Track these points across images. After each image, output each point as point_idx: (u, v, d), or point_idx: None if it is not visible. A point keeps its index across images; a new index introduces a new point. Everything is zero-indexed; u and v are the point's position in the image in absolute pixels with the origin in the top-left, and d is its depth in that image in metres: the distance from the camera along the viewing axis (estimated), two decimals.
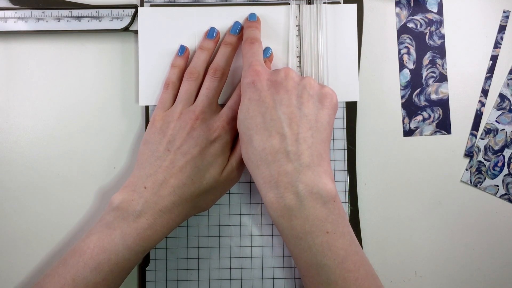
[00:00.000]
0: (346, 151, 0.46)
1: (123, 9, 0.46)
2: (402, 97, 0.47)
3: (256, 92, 0.39)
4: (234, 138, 0.42)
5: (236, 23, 0.45)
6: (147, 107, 0.46)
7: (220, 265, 0.45)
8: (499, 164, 0.47)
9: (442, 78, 0.47)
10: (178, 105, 0.42)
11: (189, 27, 0.46)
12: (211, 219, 0.45)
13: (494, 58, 0.47)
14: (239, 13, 0.46)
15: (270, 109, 0.38)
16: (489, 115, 0.47)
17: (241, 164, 0.42)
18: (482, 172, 0.47)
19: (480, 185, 0.47)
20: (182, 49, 0.45)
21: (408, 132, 0.47)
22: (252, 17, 0.45)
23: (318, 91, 0.39)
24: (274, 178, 0.37)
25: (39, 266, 0.45)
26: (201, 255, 0.45)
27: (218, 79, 0.43)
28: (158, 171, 0.40)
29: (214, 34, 0.45)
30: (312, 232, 0.36)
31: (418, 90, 0.47)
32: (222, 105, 0.44)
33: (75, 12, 0.46)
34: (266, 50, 0.45)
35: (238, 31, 0.45)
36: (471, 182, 0.47)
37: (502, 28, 0.48)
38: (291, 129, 0.37)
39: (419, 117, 0.47)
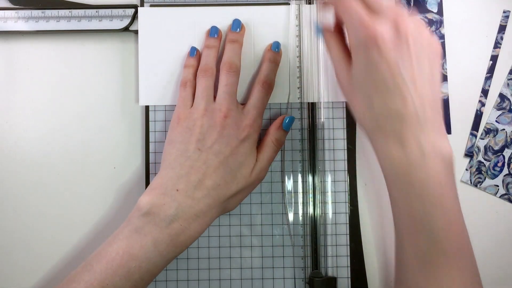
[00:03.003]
0: (346, 151, 0.46)
1: (123, 9, 0.46)
2: None
3: (377, 53, 0.36)
4: (259, 137, 0.42)
5: (236, 20, 0.45)
6: (147, 107, 0.46)
7: (220, 265, 0.45)
8: (499, 164, 0.47)
9: (442, 78, 0.47)
10: (200, 102, 0.41)
11: (189, 27, 0.46)
12: None
13: (494, 58, 0.47)
14: (239, 13, 0.45)
15: (392, 69, 0.35)
16: (489, 115, 0.47)
17: (268, 163, 0.42)
18: (482, 172, 0.47)
19: (480, 185, 0.47)
20: (193, 50, 0.45)
21: None
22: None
23: (430, 45, 0.37)
24: (397, 130, 0.35)
25: (38, 266, 0.45)
26: (201, 255, 0.45)
27: (235, 73, 0.42)
28: (190, 172, 0.39)
29: (217, 33, 0.45)
30: (428, 182, 0.35)
31: None
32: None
33: (75, 12, 0.46)
34: (276, 44, 0.45)
35: (240, 28, 0.45)
36: (471, 182, 0.47)
37: (502, 28, 0.48)
38: (415, 88, 0.36)
39: None
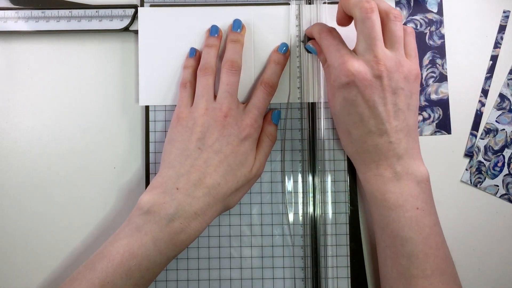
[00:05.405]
0: None
1: (123, 9, 0.46)
2: None
3: (356, 91, 0.38)
4: (259, 136, 0.43)
5: (237, 20, 0.45)
6: (147, 107, 0.46)
7: (220, 265, 0.45)
8: (499, 164, 0.47)
9: (442, 78, 0.47)
10: (200, 101, 0.41)
11: (189, 27, 0.46)
12: None
13: (494, 58, 0.47)
14: (239, 13, 0.46)
15: (370, 107, 0.38)
16: (489, 115, 0.47)
17: (266, 158, 0.43)
18: (482, 172, 0.47)
19: (480, 185, 0.47)
20: (193, 51, 0.45)
21: None
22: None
23: (408, 80, 0.39)
24: (375, 162, 0.39)
25: (39, 266, 0.45)
26: (201, 255, 0.45)
27: (237, 72, 0.42)
28: (191, 170, 0.39)
29: (217, 32, 0.45)
30: (404, 206, 0.38)
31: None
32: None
33: (75, 12, 0.46)
34: (283, 45, 0.45)
35: (241, 28, 0.45)
36: (471, 182, 0.47)
37: (502, 28, 0.48)
38: (389, 123, 0.38)
39: (419, 117, 0.47)
